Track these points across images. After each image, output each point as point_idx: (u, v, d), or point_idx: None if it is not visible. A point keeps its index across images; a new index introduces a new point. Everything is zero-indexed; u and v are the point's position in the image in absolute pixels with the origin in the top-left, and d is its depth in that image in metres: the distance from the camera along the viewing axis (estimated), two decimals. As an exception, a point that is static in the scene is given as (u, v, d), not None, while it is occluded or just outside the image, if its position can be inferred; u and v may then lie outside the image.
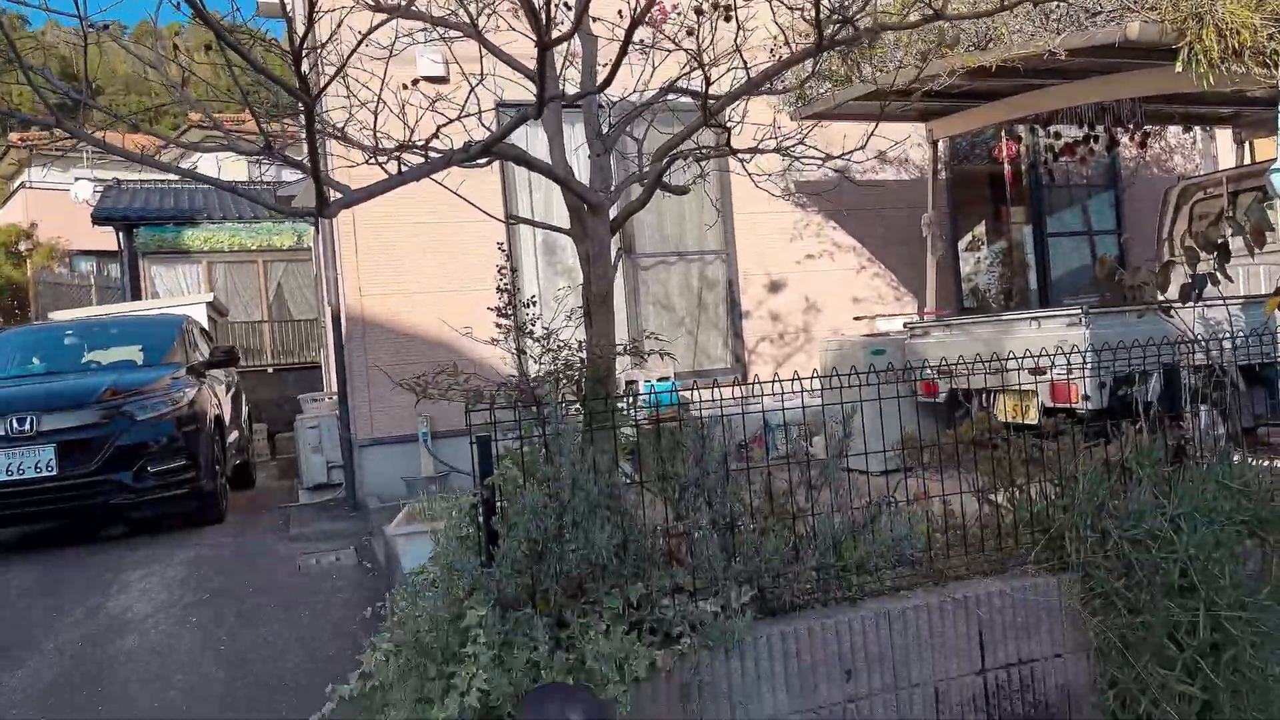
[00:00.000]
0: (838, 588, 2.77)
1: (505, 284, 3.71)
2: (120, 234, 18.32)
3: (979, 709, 2.83)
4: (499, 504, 2.46)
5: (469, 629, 2.25)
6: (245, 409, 10.15)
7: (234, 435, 8.78)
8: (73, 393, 6.78)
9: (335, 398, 8.56)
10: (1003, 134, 8.43)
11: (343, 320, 7.34)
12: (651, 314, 8.15)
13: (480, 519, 2.45)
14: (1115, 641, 2.75)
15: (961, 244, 9.54)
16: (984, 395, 6.21)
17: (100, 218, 18.09)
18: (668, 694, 2.51)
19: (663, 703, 2.49)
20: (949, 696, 2.78)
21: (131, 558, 6.42)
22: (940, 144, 8.12)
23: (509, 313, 3.62)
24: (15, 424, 6.36)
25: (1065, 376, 5.41)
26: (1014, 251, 9.85)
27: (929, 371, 6.57)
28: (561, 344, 3.16)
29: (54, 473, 6.36)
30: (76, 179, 21.95)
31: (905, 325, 7.05)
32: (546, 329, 3.37)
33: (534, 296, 3.92)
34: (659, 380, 7.84)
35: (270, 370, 17.81)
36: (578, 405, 2.76)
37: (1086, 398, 5.31)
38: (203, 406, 7.39)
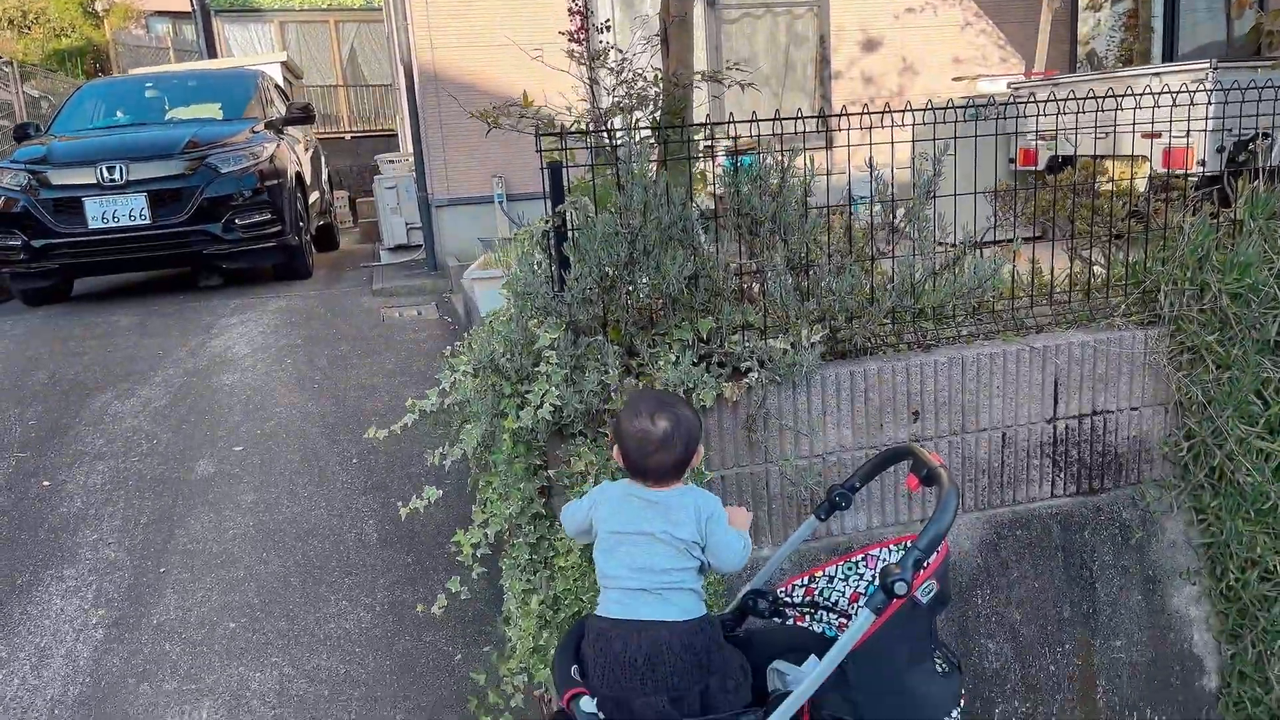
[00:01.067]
0: (912, 332, 2.72)
1: (578, 5, 3.47)
2: (192, -8, 17.94)
3: (1045, 454, 2.84)
4: (570, 232, 2.43)
5: (541, 351, 2.29)
6: (325, 171, 10.23)
7: (315, 196, 8.91)
8: (160, 143, 6.87)
9: (412, 159, 8.52)
10: None
11: (415, 75, 7.15)
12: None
13: (551, 246, 2.44)
14: (1198, 396, 2.68)
15: (1081, 1, 8.63)
16: (1091, 162, 5.81)
17: (172, -29, 17.63)
18: (733, 424, 2.57)
19: (729, 431, 2.55)
20: (1016, 441, 2.79)
21: (227, 306, 6.74)
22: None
23: (581, 37, 3.42)
24: (106, 172, 6.52)
25: (1183, 138, 5.01)
26: (1140, 12, 8.87)
27: (1029, 137, 6.16)
28: (636, 73, 2.99)
29: (147, 221, 6.58)
30: (145, -68, 21.27)
31: (1009, 86, 6.54)
32: (621, 53, 3.19)
33: (608, 21, 3.67)
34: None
35: (348, 138, 17.79)
36: (651, 137, 2.64)
37: (1203, 163, 4.92)
38: (283, 162, 7.44)
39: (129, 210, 6.52)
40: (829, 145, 7.82)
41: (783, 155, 2.54)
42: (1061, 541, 2.91)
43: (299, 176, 7.80)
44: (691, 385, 2.38)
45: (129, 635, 3.26)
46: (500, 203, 7.21)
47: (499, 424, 2.33)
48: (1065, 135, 5.91)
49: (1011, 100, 6.42)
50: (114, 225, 6.53)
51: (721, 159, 2.94)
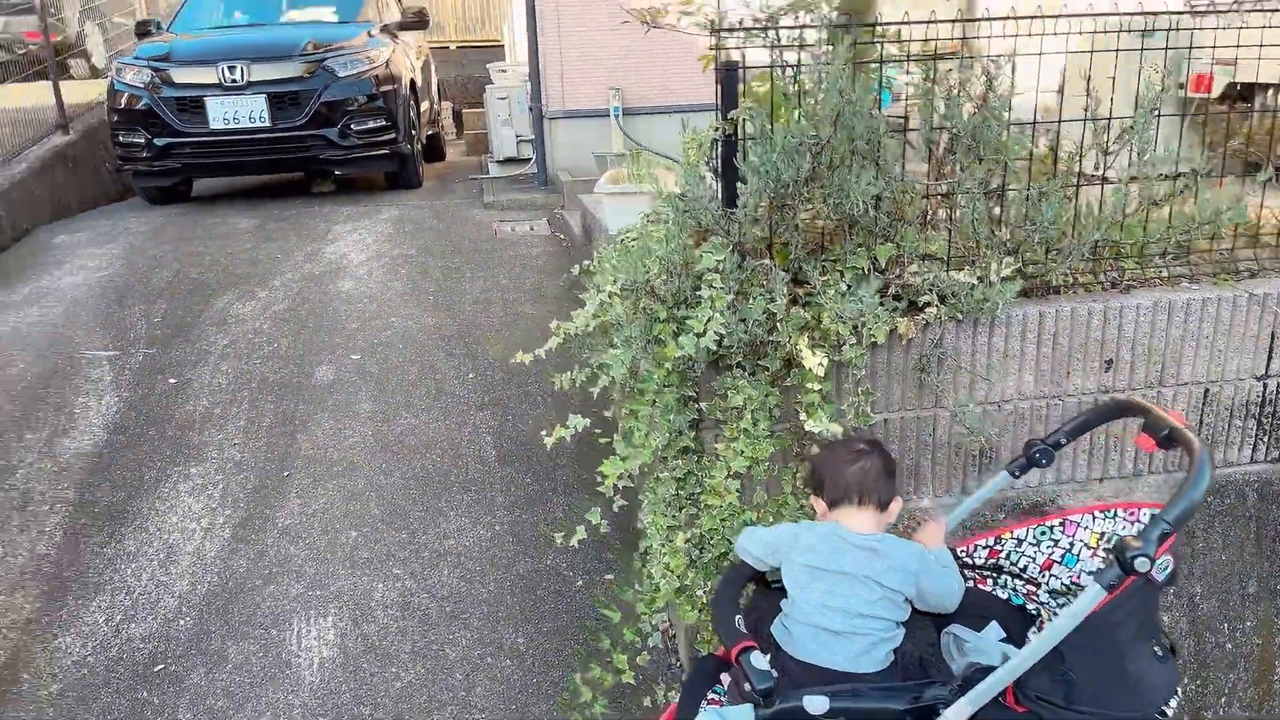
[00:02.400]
0: (1112, 270, 2.42)
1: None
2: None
3: (1250, 414, 2.52)
4: (741, 143, 2.19)
5: (703, 274, 2.09)
6: (435, 81, 10.08)
7: (425, 105, 8.77)
8: (278, 44, 6.80)
9: (525, 68, 8.28)
10: None
11: (534, -20, 6.85)
12: None
13: (721, 157, 2.21)
14: None
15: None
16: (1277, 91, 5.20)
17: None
18: (904, 364, 2.33)
19: (897, 371, 2.32)
20: (1219, 399, 2.48)
21: (340, 213, 6.72)
22: None
23: None
24: (227, 72, 6.49)
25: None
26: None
27: (1205, 61, 5.54)
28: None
29: (266, 123, 6.55)
30: None
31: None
32: None
33: None
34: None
35: (453, 48, 17.56)
36: (829, 39, 2.36)
37: None
38: (398, 68, 7.30)
39: (249, 111, 6.49)
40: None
41: (988, 62, 2.22)
42: (1256, 511, 2.61)
43: (412, 84, 7.66)
44: (863, 318, 2.15)
45: (254, 537, 3.27)
46: (616, 117, 6.94)
47: (652, 350, 2.15)
48: (1249, 58, 5.28)
49: (1190, 10, 5.78)
50: (234, 126, 6.52)
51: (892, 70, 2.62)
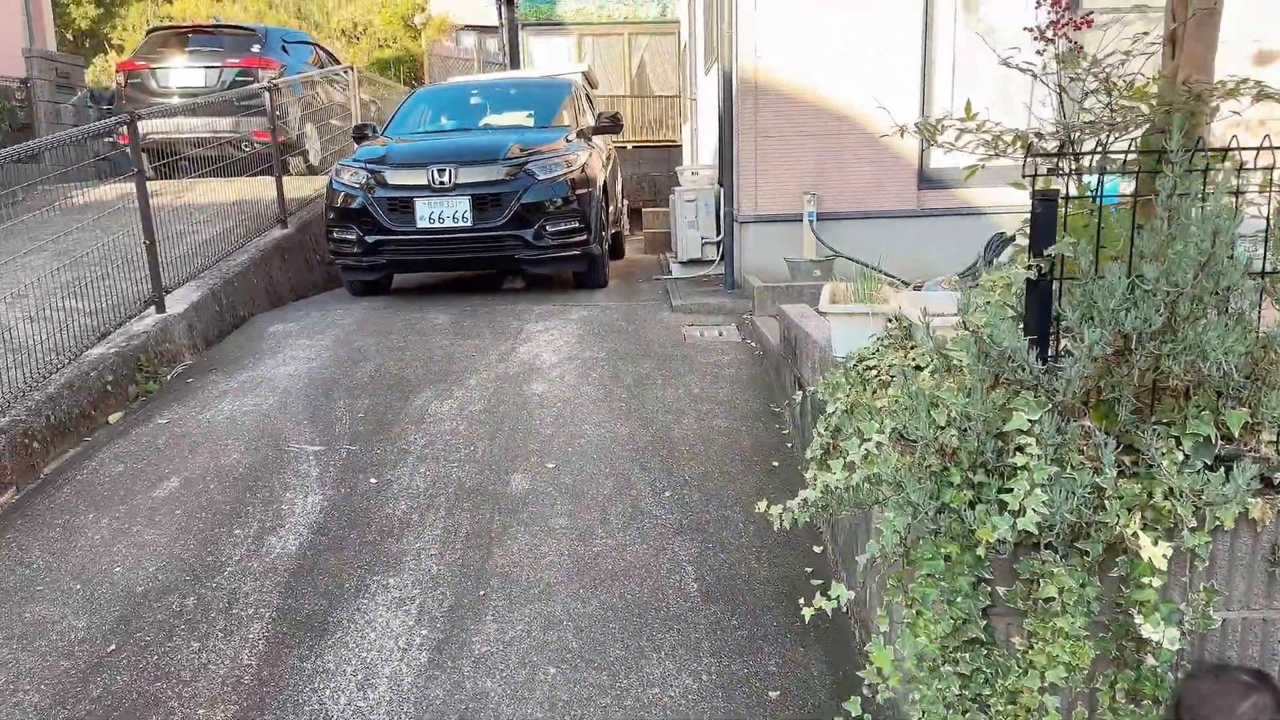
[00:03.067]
0: None
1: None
2: (501, 6, 19.08)
3: None
4: (1058, 283, 1.89)
5: (1013, 435, 1.77)
6: (620, 181, 10.27)
7: (611, 206, 8.91)
8: (484, 148, 7.06)
9: (715, 171, 8.27)
10: None
11: (734, 83, 6.84)
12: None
13: (1034, 300, 1.91)
14: None
15: None
16: None
17: (486, -13, 18.84)
18: (1250, 553, 1.90)
19: (1247, 562, 1.89)
20: None
21: (531, 311, 6.77)
22: None
23: (1059, 31, 2.85)
24: (437, 175, 6.75)
25: None
26: None
27: None
28: (1124, 79, 2.39)
29: (468, 223, 6.75)
30: (462, -48, 23.05)
31: None
32: (1098, 63, 2.58)
33: (1090, 14, 3.09)
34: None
35: (629, 147, 18.12)
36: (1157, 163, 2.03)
37: None
38: (593, 171, 7.43)
39: (454, 212, 6.71)
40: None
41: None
42: None
43: (603, 186, 7.76)
44: (1204, 497, 1.76)
45: (451, 664, 3.09)
46: (810, 222, 6.75)
47: (943, 522, 1.83)
48: None
49: None
50: (439, 225, 6.74)
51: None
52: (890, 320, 3.29)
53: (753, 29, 6.63)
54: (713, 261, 8.17)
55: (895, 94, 6.69)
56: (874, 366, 3.01)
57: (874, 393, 2.80)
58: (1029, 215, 2.02)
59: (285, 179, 8.93)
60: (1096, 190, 1.97)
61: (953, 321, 3.02)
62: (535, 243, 6.88)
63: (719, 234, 8.09)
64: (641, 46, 19.51)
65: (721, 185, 7.91)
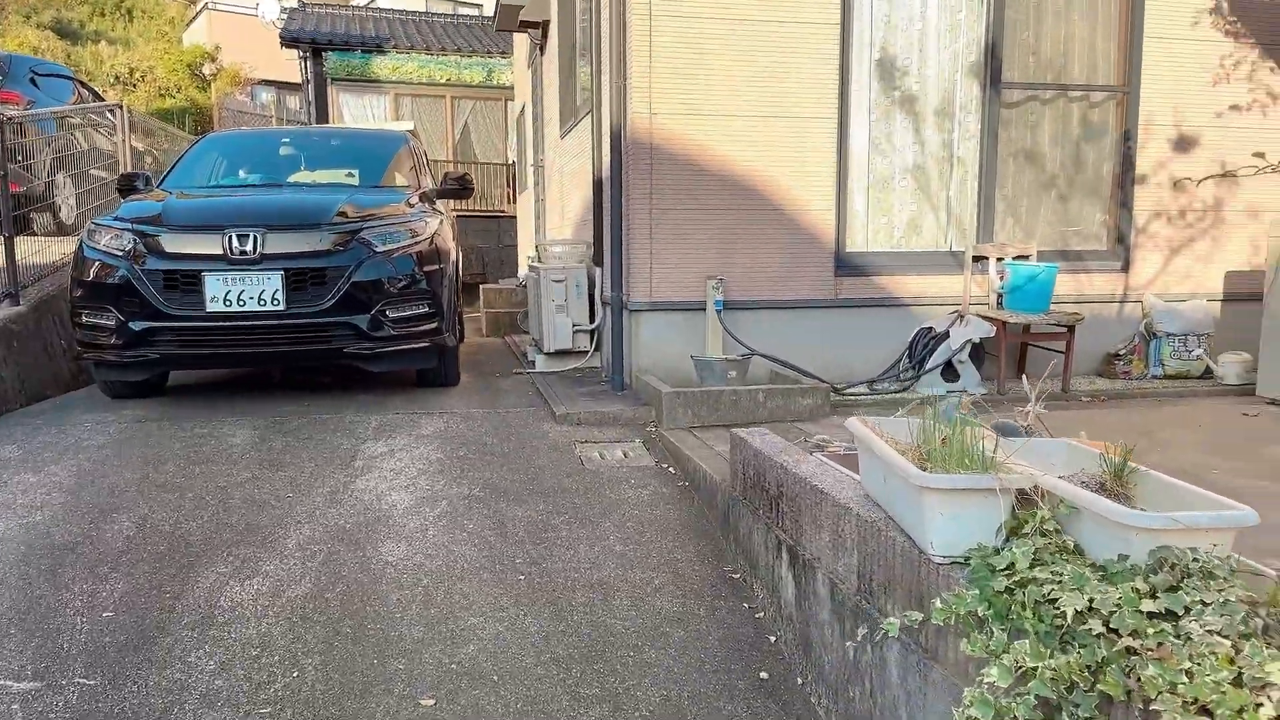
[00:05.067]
0: None
1: None
2: (307, 60, 17.25)
3: None
4: None
5: None
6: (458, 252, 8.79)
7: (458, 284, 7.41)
8: (304, 209, 5.41)
9: (586, 248, 7.00)
10: None
11: (623, 146, 5.64)
12: (1010, 168, 6.10)
13: None
14: None
15: None
16: None
17: (289, 39, 16.99)
18: None
19: None
20: None
21: (367, 423, 5.13)
22: None
23: None
24: (235, 242, 5.05)
25: None
26: None
27: None
28: None
29: (279, 307, 5.06)
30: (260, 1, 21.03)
31: None
32: None
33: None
34: (1017, 259, 5.89)
35: (454, 216, 16.62)
36: None
37: None
38: (445, 242, 5.96)
39: (260, 292, 5.00)
40: (1126, 268, 6.09)
41: None
42: None
43: (456, 262, 6.30)
44: None
45: None
46: (718, 312, 5.59)
47: None
48: None
49: None
50: (238, 310, 5.01)
51: None
52: (1019, 500, 2.08)
53: (646, 84, 5.49)
54: (585, 352, 6.84)
55: (811, 163, 5.73)
56: (1024, 581, 1.77)
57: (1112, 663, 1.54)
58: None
59: (24, 239, 6.82)
60: None
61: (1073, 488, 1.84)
62: (372, 333, 5.28)
63: (593, 320, 6.79)
64: (466, 110, 18.22)
65: (598, 264, 6.65)
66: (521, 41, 12.61)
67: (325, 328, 5.18)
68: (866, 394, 5.49)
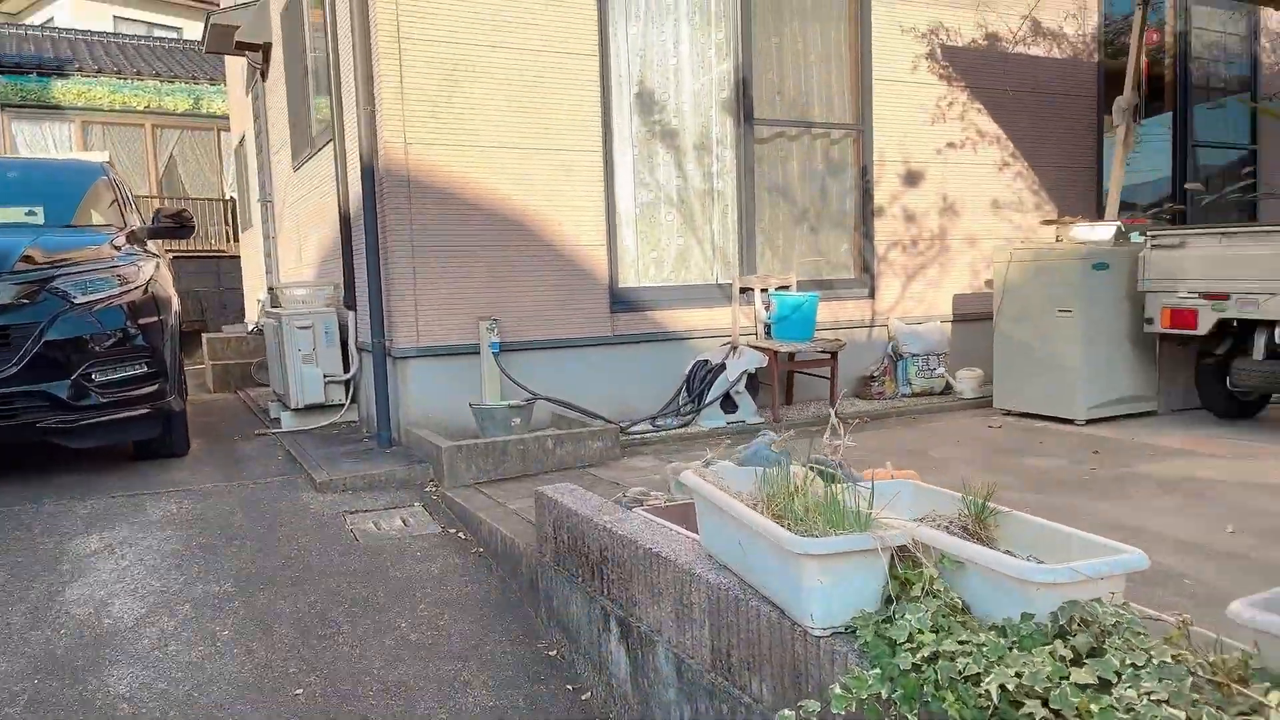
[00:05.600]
0: None
1: None
2: (-37, 80, 14.71)
3: None
4: None
5: None
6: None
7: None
8: (-26, 255, 4.38)
9: (335, 290, 6.34)
10: (1143, 17, 6.80)
11: (378, 178, 5.14)
12: (766, 202, 6.28)
13: None
14: None
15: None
16: (1285, 328, 4.73)
17: (-55, 57, 14.41)
18: None
19: None
20: None
21: (74, 511, 4.21)
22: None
23: None
24: (-123, 299, 3.97)
25: None
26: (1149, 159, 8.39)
27: (1183, 294, 5.08)
28: None
29: (-55, 379, 4.03)
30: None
31: (1144, 233, 5.47)
32: None
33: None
34: (779, 289, 6.05)
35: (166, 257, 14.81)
36: None
37: None
38: (164, 289, 5.12)
39: (-85, 361, 3.96)
40: (872, 294, 6.48)
41: None
42: None
43: (177, 312, 5.43)
44: None
45: None
46: (494, 355, 5.21)
47: None
48: (1247, 293, 4.87)
49: (1150, 248, 5.36)
50: (-118, 385, 3.93)
51: None
52: (898, 557, 1.93)
53: (399, 110, 5.04)
54: (340, 406, 6.18)
55: (580, 197, 5.54)
56: (935, 656, 1.60)
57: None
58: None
59: None
60: None
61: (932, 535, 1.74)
62: (75, 402, 4.37)
63: (348, 370, 6.15)
64: (171, 140, 16.38)
65: (350, 308, 6.03)
66: (237, 66, 11.50)
67: (8, 399, 4.21)
68: (652, 431, 5.35)
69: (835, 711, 1.69)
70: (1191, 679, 1.38)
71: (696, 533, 2.55)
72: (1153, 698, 1.35)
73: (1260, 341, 4.90)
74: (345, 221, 5.90)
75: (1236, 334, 5.06)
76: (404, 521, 4.24)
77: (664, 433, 5.35)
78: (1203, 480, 3.86)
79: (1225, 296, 4.90)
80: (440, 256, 5.19)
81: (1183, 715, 1.29)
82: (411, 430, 5.11)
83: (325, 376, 6.11)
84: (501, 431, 4.86)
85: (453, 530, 4.15)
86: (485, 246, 5.29)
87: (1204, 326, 5.02)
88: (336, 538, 4.03)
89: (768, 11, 6.16)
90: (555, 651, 3.20)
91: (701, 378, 5.67)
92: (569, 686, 3.00)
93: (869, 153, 6.54)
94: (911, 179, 6.71)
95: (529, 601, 3.46)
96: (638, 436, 5.25)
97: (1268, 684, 1.38)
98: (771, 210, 6.32)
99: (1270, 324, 4.82)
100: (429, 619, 3.35)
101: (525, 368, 5.36)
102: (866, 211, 6.58)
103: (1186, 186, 7.96)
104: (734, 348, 5.73)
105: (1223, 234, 4.99)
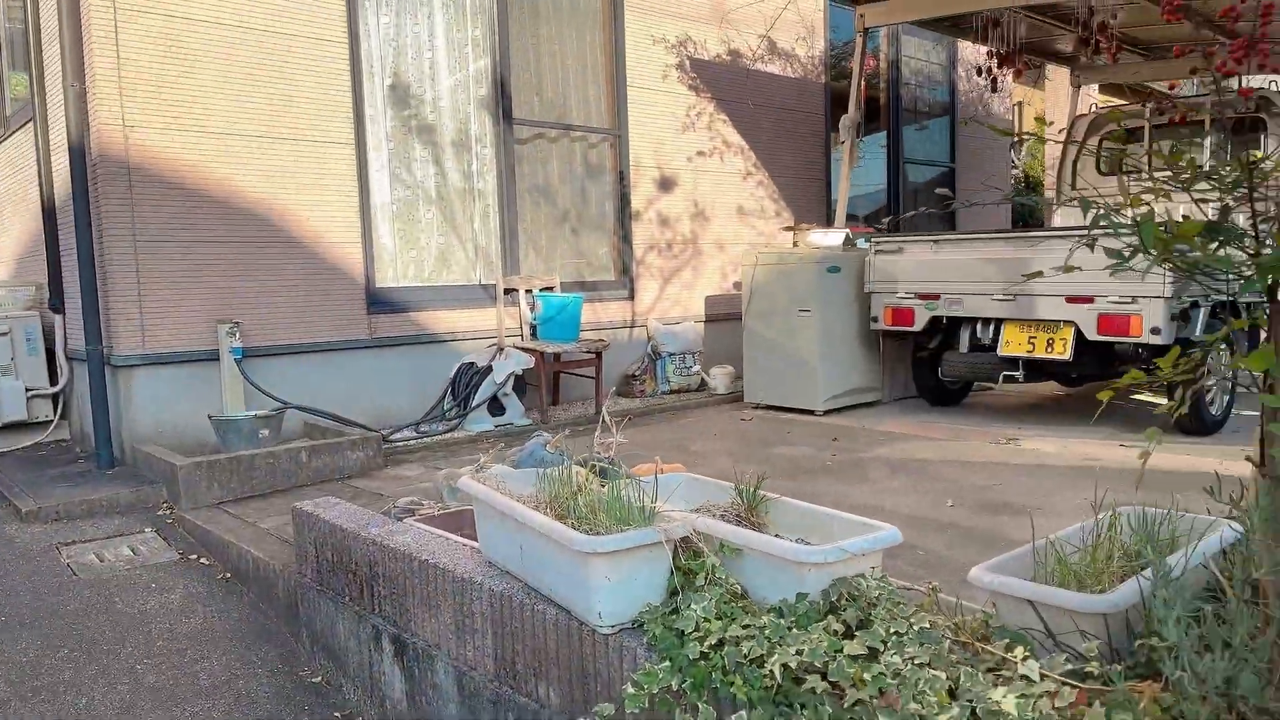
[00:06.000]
0: None
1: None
2: None
3: None
4: None
5: None
6: None
7: None
8: None
9: (38, 290, 5.55)
10: (863, 44, 7.60)
11: (91, 164, 4.57)
12: (528, 203, 6.27)
13: None
14: None
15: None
16: (986, 325, 5.40)
17: None
18: None
19: None
20: None
21: None
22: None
23: None
24: None
25: (1127, 303, 4.77)
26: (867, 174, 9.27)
27: (902, 294, 5.66)
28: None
29: None
30: None
31: (869, 240, 6.03)
32: None
33: None
34: (543, 290, 6.07)
35: None
36: None
37: (1156, 330, 4.68)
38: None
39: None
40: (632, 296, 6.69)
41: None
42: None
43: None
44: None
45: None
46: (237, 361, 4.78)
47: None
48: (953, 294, 5.50)
49: (875, 253, 5.92)
50: None
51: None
52: (679, 549, 1.98)
53: (116, 90, 4.50)
54: (48, 423, 5.43)
55: (332, 191, 5.24)
56: (722, 642, 1.68)
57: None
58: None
59: None
60: None
61: (724, 531, 1.86)
62: None
63: (56, 382, 5.41)
64: None
65: (57, 311, 5.31)
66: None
67: None
68: (416, 438, 5.16)
69: (630, 710, 1.70)
70: (943, 639, 1.52)
71: (475, 540, 2.49)
72: (916, 662, 1.47)
73: (965, 336, 5.56)
74: (50, 214, 5.19)
75: (946, 330, 5.71)
76: (133, 550, 3.79)
77: (430, 439, 5.18)
78: (924, 461, 4.33)
79: (936, 297, 5.52)
80: (169, 253, 4.70)
81: (943, 675, 1.42)
82: (140, 448, 4.58)
83: (28, 390, 5.35)
84: (248, 444, 4.48)
85: (194, 556, 3.77)
86: (223, 242, 4.86)
87: (919, 323, 5.63)
88: (50, 573, 3.52)
89: (524, 10, 6.14)
90: (320, 678, 2.99)
91: (467, 381, 5.55)
92: (337, 714, 2.82)
93: (626, 158, 6.72)
94: (665, 185, 6.97)
95: (288, 627, 3.21)
96: (402, 444, 5.05)
97: (1008, 639, 1.55)
98: (534, 211, 6.31)
99: (972, 320, 5.49)
100: (169, 657, 3.02)
101: (274, 374, 4.98)
102: (625, 215, 6.75)
103: (937, 191, 8.92)
104: (500, 349, 5.67)
105: (933, 241, 5.62)
